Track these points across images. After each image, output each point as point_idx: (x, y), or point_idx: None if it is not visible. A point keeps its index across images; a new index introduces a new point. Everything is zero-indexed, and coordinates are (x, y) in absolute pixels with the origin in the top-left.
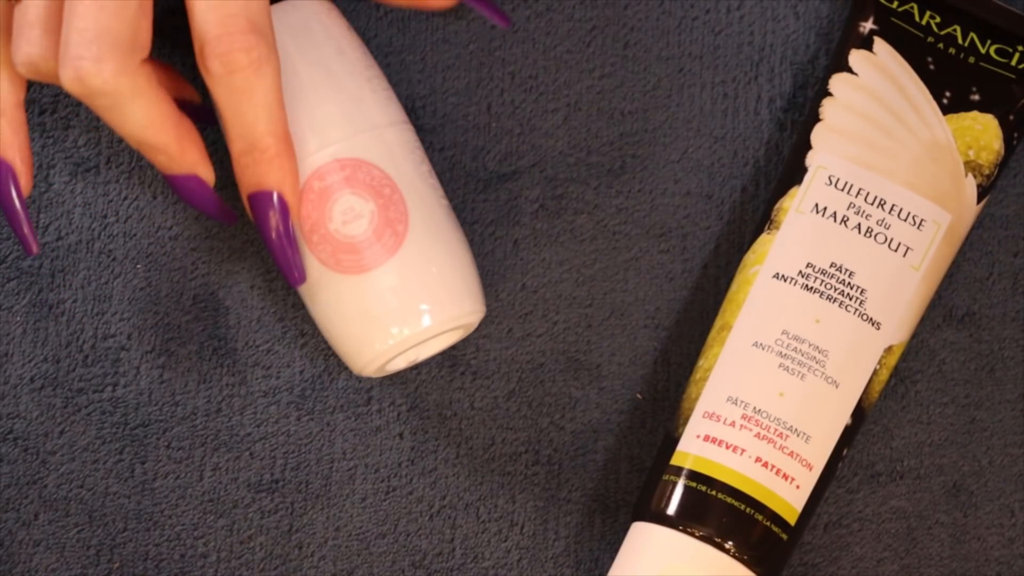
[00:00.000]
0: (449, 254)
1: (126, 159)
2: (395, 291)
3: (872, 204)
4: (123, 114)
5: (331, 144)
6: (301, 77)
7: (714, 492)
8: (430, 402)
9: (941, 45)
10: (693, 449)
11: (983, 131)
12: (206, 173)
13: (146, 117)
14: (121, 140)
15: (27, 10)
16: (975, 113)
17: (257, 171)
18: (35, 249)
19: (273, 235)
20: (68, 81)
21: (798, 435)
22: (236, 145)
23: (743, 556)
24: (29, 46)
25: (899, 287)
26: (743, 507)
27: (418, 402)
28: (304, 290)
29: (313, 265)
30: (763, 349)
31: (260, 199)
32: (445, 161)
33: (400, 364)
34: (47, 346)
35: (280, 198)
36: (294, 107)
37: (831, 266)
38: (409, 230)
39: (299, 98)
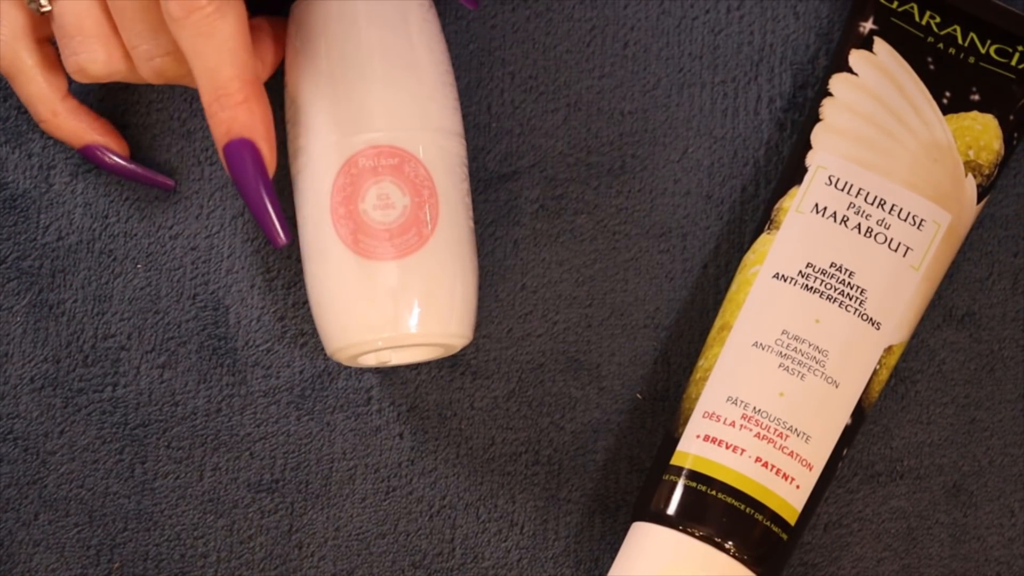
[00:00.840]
0: (458, 273)
1: None
2: (396, 290)
3: (872, 204)
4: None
5: (393, 129)
6: (387, 58)
7: (714, 492)
8: (430, 402)
9: (941, 45)
10: (693, 449)
11: (983, 131)
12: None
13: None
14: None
15: (69, 20)
16: (975, 113)
17: (224, 118)
18: (171, 182)
19: (249, 188)
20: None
21: (798, 435)
22: (204, 95)
23: (743, 556)
24: (89, 53)
25: (899, 287)
26: (743, 507)
27: (418, 402)
28: (309, 255)
29: (329, 235)
30: (763, 349)
31: (232, 149)
32: None
33: (370, 361)
34: (47, 346)
35: (252, 146)
36: (373, 82)
37: (831, 266)
38: (432, 237)
39: (379, 76)
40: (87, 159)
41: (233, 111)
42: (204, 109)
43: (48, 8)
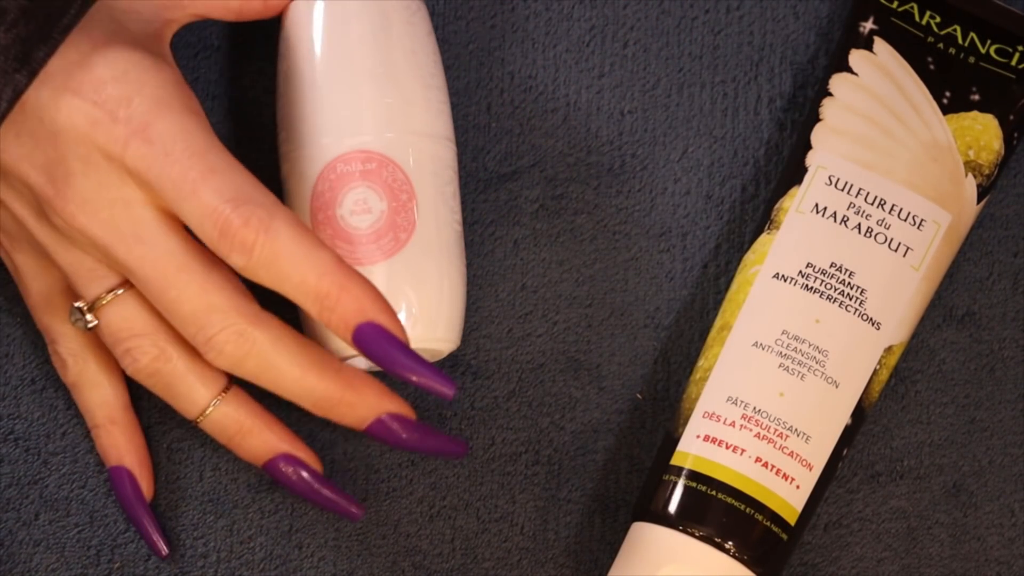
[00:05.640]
0: (440, 278)
1: None
2: None
3: (872, 204)
4: (275, 365)
5: (367, 134)
6: (364, 63)
7: (714, 492)
8: (430, 402)
9: (941, 45)
10: (693, 449)
11: (983, 131)
12: (399, 406)
13: (296, 357)
14: None
15: (117, 324)
16: (975, 113)
17: (337, 317)
18: (164, 551)
19: (394, 362)
20: (216, 358)
21: (798, 435)
22: (310, 307)
23: (743, 556)
24: (144, 355)
25: (899, 287)
26: (743, 507)
27: (418, 402)
28: None
29: None
30: (763, 349)
31: (363, 336)
32: None
33: (360, 364)
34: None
35: (376, 327)
36: (347, 85)
37: (831, 266)
38: (410, 242)
39: (355, 80)
40: (112, 479)
41: (345, 304)
42: (320, 323)
43: (95, 323)
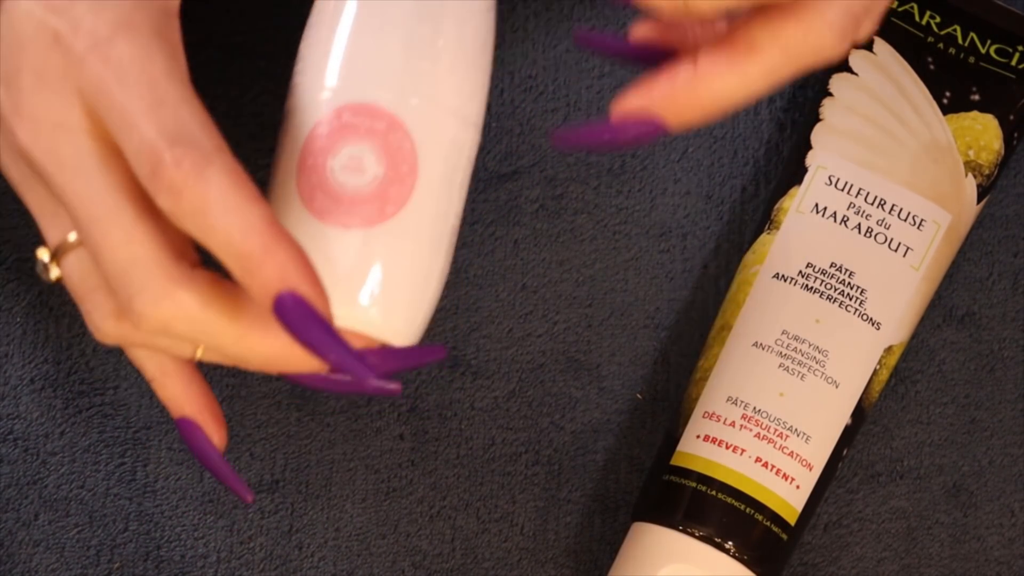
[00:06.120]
0: (415, 265)
1: None
2: (335, 260)
3: (872, 204)
4: (210, 331)
5: (387, 91)
6: (410, 15)
7: (714, 492)
8: (430, 402)
9: (941, 45)
10: (693, 449)
11: (983, 131)
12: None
13: (231, 315)
14: None
15: (78, 275)
16: (975, 113)
17: (257, 282)
18: (249, 498)
19: (328, 360)
20: (138, 322)
21: (798, 435)
22: (233, 268)
23: (743, 556)
24: (102, 319)
25: (899, 287)
26: (743, 507)
27: (418, 402)
28: (271, 203)
29: (290, 187)
30: (763, 349)
31: (282, 307)
32: None
33: None
34: (48, 347)
35: (296, 300)
36: (383, 34)
37: (831, 266)
38: (395, 218)
39: (393, 30)
40: (179, 427)
41: (266, 271)
42: (243, 288)
43: (57, 274)
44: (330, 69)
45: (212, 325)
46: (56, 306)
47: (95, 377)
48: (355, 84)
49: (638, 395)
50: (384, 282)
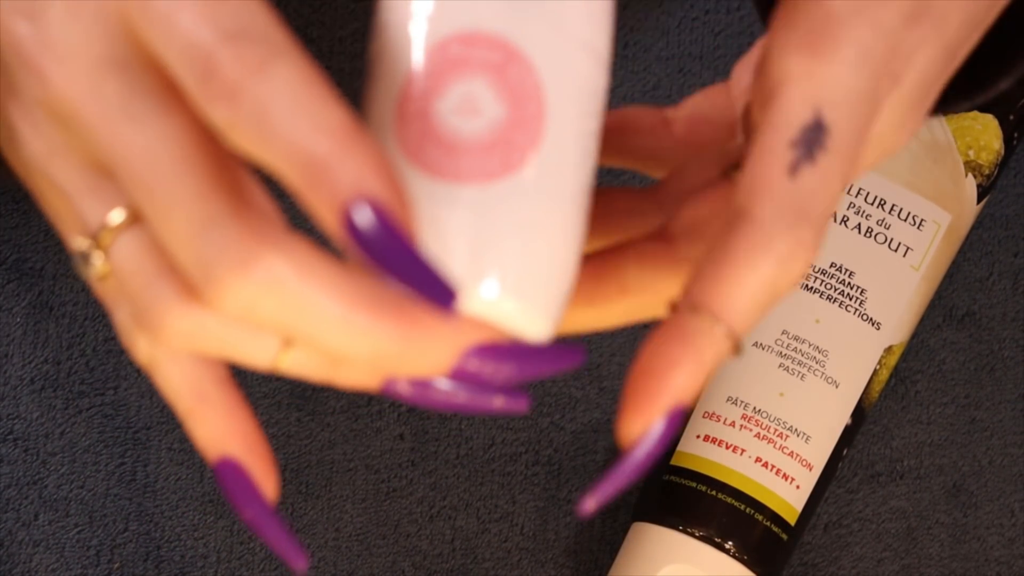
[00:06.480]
0: (553, 229)
1: None
2: (458, 226)
3: (872, 204)
4: (306, 303)
5: (503, 17)
6: None
7: (714, 492)
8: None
9: None
10: (693, 449)
11: (983, 131)
12: (482, 330)
13: (336, 288)
14: None
15: (133, 262)
16: (975, 113)
17: (325, 192)
18: (303, 564)
19: (385, 260)
20: (219, 298)
21: (798, 435)
22: (296, 179)
23: (743, 556)
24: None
25: (899, 287)
26: (743, 507)
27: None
28: None
29: (389, 139)
30: (763, 349)
31: (355, 216)
32: None
33: None
34: (48, 347)
35: (378, 207)
36: None
37: (831, 266)
38: (524, 168)
39: None
40: (218, 473)
41: (338, 173)
42: (301, 201)
43: (102, 262)
44: None
45: (312, 299)
46: (56, 306)
47: (95, 377)
48: (460, 10)
49: None
50: (517, 253)
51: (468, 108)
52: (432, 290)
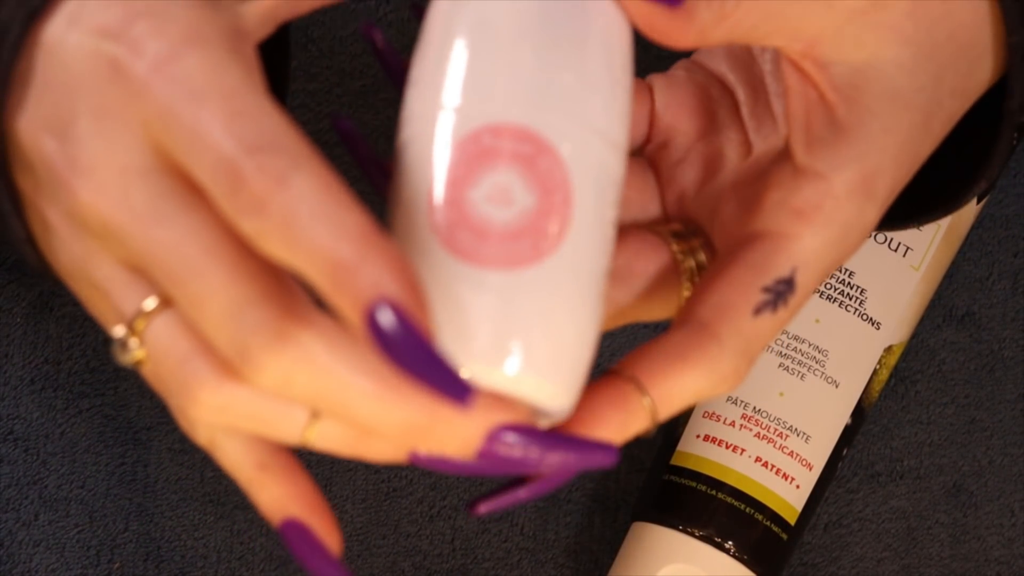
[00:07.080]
0: (574, 315)
1: None
2: (488, 308)
3: None
4: (336, 379)
5: (531, 108)
6: (548, 23)
7: (714, 492)
8: None
9: None
10: (693, 449)
11: None
12: (511, 411)
13: (363, 365)
14: None
15: (166, 344)
16: None
17: (349, 294)
18: None
19: (405, 361)
20: (256, 373)
21: (798, 435)
22: (322, 283)
23: (743, 556)
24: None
25: (899, 287)
26: (743, 507)
27: None
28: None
29: (420, 222)
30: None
31: (374, 317)
32: None
33: None
34: (48, 348)
35: (397, 308)
36: (521, 42)
37: None
38: (552, 256)
39: (532, 40)
40: (283, 534)
41: (360, 278)
42: (330, 304)
43: (138, 347)
44: (455, 87)
45: (342, 375)
46: (56, 306)
47: (95, 377)
48: (491, 102)
49: None
50: (541, 334)
51: (501, 197)
52: (448, 388)
